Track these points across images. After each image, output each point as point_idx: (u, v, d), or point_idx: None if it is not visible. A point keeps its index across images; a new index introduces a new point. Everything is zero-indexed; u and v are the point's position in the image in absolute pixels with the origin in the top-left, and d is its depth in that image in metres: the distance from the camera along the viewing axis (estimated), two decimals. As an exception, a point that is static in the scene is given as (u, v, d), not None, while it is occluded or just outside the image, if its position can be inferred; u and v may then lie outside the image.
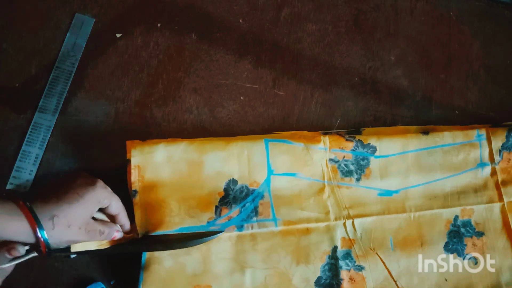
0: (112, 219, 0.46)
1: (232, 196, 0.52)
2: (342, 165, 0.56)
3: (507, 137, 0.60)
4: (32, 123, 0.51)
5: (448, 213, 0.57)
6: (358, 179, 0.56)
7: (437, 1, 0.65)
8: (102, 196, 0.43)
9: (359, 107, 0.60)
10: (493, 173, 0.59)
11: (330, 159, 0.55)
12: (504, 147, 0.60)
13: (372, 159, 0.56)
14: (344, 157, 0.56)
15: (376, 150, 0.56)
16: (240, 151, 0.52)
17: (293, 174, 0.54)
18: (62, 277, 0.49)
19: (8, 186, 0.49)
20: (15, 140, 0.51)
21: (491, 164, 0.59)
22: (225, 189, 0.52)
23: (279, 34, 0.59)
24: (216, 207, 0.51)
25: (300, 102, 0.58)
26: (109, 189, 0.44)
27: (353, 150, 0.56)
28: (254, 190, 0.52)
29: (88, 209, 0.42)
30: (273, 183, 0.53)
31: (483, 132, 0.59)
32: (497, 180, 0.59)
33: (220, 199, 0.51)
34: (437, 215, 0.57)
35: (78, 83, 0.53)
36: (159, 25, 0.56)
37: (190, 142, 0.52)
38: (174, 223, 0.49)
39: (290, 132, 0.57)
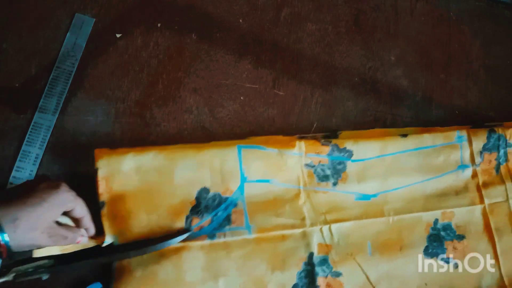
0: (77, 222, 0.45)
1: (204, 205, 0.50)
2: (318, 169, 0.54)
3: (488, 138, 0.58)
4: (32, 123, 0.51)
5: (428, 217, 0.56)
6: (334, 184, 0.55)
7: (437, 1, 0.65)
8: (66, 199, 0.42)
9: (359, 107, 0.60)
10: (474, 175, 0.58)
11: (306, 164, 0.54)
12: (485, 149, 0.58)
13: (349, 163, 0.55)
14: (320, 161, 0.54)
15: (353, 154, 0.55)
16: (212, 159, 0.51)
17: (267, 181, 0.53)
18: (62, 277, 0.49)
19: (9, 186, 0.49)
20: (15, 140, 0.51)
21: (472, 166, 0.58)
22: (197, 198, 0.50)
23: (279, 34, 0.59)
24: (187, 216, 0.50)
25: (300, 102, 0.58)
26: (73, 192, 0.43)
27: (329, 155, 0.55)
28: (227, 198, 0.51)
29: (52, 212, 0.41)
30: (247, 190, 0.52)
31: (463, 133, 0.58)
32: (478, 182, 0.58)
33: (192, 208, 0.50)
34: (417, 218, 0.56)
35: (78, 83, 0.53)
36: (159, 25, 0.56)
37: (159, 151, 0.51)
38: (143, 234, 0.48)
39: (265, 137, 0.56)
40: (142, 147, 0.51)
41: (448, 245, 0.56)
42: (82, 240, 0.45)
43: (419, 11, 0.64)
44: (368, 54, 0.61)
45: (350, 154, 0.55)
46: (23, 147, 0.50)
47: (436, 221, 0.56)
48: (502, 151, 0.59)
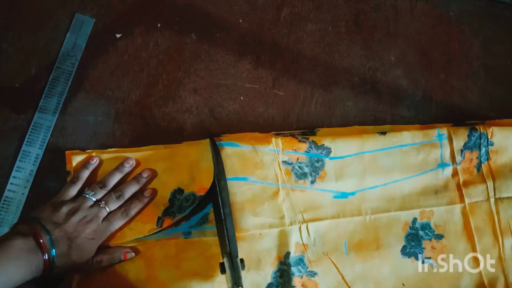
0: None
1: (177, 206, 0.50)
2: (296, 167, 0.53)
3: (469, 136, 0.57)
4: (32, 123, 0.51)
5: (406, 216, 0.55)
6: (312, 182, 0.54)
7: (437, 1, 0.65)
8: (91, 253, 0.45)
9: (359, 107, 0.60)
10: (455, 173, 0.57)
11: (284, 161, 0.53)
12: (466, 147, 0.57)
13: (327, 160, 0.54)
14: (298, 159, 0.53)
15: (331, 151, 0.54)
16: (185, 159, 0.51)
17: (244, 178, 0.52)
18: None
19: (9, 186, 0.49)
20: (15, 140, 0.51)
21: (453, 164, 0.57)
22: (170, 200, 0.50)
23: (279, 34, 0.59)
24: (159, 218, 0.49)
25: (300, 102, 0.58)
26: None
27: (307, 152, 0.54)
28: (202, 196, 0.50)
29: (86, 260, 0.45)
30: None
31: (444, 131, 0.57)
32: (459, 181, 0.56)
33: (164, 210, 0.50)
34: (395, 217, 0.55)
35: (78, 83, 0.53)
36: (159, 25, 0.56)
37: (132, 152, 0.51)
38: (116, 237, 0.48)
39: (239, 134, 0.55)
40: (115, 149, 0.51)
41: (427, 244, 0.55)
42: (128, 256, 0.48)
43: (419, 11, 0.64)
44: (368, 54, 0.61)
45: (328, 151, 0.54)
46: (23, 147, 0.50)
47: (414, 220, 0.55)
48: (483, 150, 0.57)
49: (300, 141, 0.54)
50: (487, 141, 0.58)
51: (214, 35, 0.58)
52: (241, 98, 0.57)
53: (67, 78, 0.53)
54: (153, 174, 0.51)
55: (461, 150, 0.57)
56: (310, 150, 0.54)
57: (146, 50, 0.56)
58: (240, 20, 0.59)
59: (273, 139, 0.53)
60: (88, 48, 0.54)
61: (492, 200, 0.57)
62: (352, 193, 0.54)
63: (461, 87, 0.63)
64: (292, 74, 0.59)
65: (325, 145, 0.54)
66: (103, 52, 0.55)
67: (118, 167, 0.49)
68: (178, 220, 0.49)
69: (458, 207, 0.56)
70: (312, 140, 0.54)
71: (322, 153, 0.54)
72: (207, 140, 0.52)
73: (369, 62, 0.61)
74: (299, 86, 0.59)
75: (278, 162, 0.53)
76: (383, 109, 0.60)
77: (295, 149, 0.53)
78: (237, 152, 0.52)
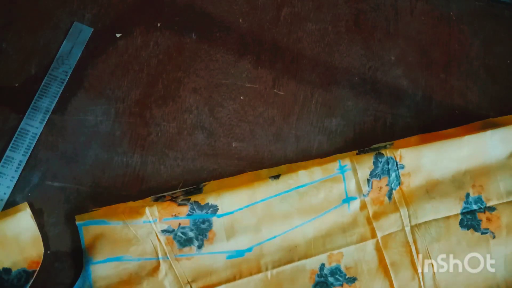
0: None
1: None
2: (179, 234, 0.48)
3: (374, 163, 0.52)
4: (18, 130, 0.50)
5: (312, 263, 0.50)
6: (200, 246, 0.48)
7: (437, 1, 0.65)
8: None
9: (359, 107, 0.60)
10: (363, 206, 0.52)
11: (163, 230, 0.48)
12: (373, 175, 0.52)
13: (214, 219, 0.49)
14: (180, 224, 0.48)
15: (218, 208, 0.49)
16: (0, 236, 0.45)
17: (117, 259, 0.46)
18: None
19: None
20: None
21: (359, 197, 0.52)
22: None
23: (279, 34, 0.59)
24: None
25: (300, 102, 0.58)
26: None
27: (190, 215, 0.48)
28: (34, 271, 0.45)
29: None
30: (95, 274, 0.45)
31: (346, 162, 0.52)
32: (368, 214, 0.51)
33: None
34: (299, 267, 0.49)
35: (78, 82, 0.53)
36: (159, 25, 0.56)
37: None
38: None
39: (111, 207, 0.49)
40: None
41: None
42: None
43: (419, 11, 0.64)
44: (368, 54, 0.61)
45: (214, 209, 0.49)
46: (7, 153, 0.50)
47: (322, 266, 0.50)
48: (393, 175, 0.53)
49: (180, 204, 0.48)
50: (397, 165, 0.53)
51: (214, 35, 0.58)
52: (241, 97, 0.57)
53: (56, 93, 0.52)
54: None
55: (368, 180, 0.52)
56: (193, 212, 0.48)
57: (146, 50, 0.56)
58: (240, 20, 0.59)
59: (147, 209, 0.47)
60: (88, 48, 0.54)
61: (407, 228, 0.52)
62: (249, 249, 0.49)
63: (461, 87, 0.63)
64: (292, 74, 0.59)
65: (210, 203, 0.49)
66: (103, 52, 0.55)
67: None
68: None
69: (370, 243, 0.51)
70: (194, 201, 0.48)
71: (207, 213, 0.49)
72: (23, 205, 0.47)
73: (369, 62, 0.61)
74: (299, 86, 0.59)
75: (156, 233, 0.48)
76: (383, 109, 0.60)
77: (175, 215, 0.48)
78: (106, 231, 0.47)
